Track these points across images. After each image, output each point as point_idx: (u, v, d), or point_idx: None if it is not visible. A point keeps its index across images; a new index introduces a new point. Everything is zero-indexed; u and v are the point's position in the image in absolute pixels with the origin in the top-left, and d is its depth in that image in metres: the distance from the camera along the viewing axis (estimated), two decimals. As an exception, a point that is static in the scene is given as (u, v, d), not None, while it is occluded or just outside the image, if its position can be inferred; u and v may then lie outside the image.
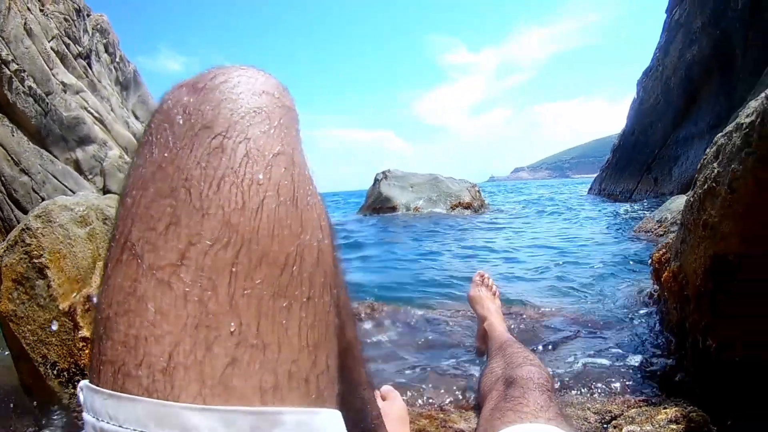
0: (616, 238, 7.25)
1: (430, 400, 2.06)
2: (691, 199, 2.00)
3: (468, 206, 14.09)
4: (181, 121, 0.53)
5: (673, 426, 1.60)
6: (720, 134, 1.83)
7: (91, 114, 15.72)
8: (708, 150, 1.92)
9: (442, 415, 1.87)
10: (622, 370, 2.30)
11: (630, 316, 3.06)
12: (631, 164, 17.69)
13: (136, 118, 20.71)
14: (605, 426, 1.74)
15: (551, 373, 1.83)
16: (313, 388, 0.48)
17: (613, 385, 2.14)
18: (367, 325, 3.11)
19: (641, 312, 3.05)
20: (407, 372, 2.38)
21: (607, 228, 8.82)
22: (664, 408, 1.75)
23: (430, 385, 2.20)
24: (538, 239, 7.96)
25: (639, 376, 2.22)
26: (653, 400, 1.89)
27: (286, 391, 0.45)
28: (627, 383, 2.14)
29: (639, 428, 1.63)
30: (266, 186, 0.51)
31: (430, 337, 2.89)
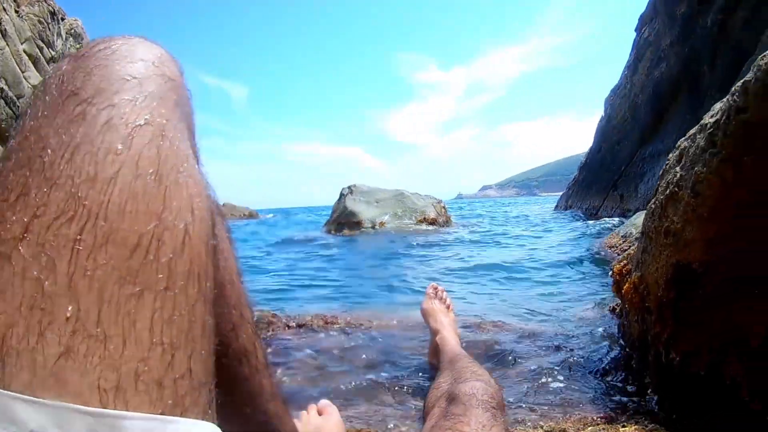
0: (579, 254, 7.20)
1: (373, 417, 1.92)
2: (653, 206, 1.90)
3: (433, 222, 14.00)
4: (54, 90, 0.50)
5: None
6: (683, 138, 1.74)
7: None
8: (671, 155, 1.82)
9: (380, 434, 1.77)
10: (581, 386, 2.17)
11: (591, 331, 2.96)
12: (598, 181, 17.82)
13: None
14: None
15: (503, 388, 1.70)
16: (169, 394, 0.42)
17: (570, 401, 2.01)
18: (318, 337, 2.98)
19: (602, 327, 2.95)
20: (352, 386, 2.24)
21: (571, 244, 8.80)
22: (624, 426, 1.63)
23: (376, 401, 2.08)
24: (500, 255, 7.90)
25: (598, 392, 2.09)
26: (613, 418, 1.77)
27: (131, 394, 0.40)
28: (585, 400, 2.02)
29: None
30: (124, 157, 0.46)
31: (381, 351, 2.78)
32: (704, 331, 1.59)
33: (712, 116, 1.52)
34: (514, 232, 12.79)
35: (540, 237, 10.70)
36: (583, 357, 2.52)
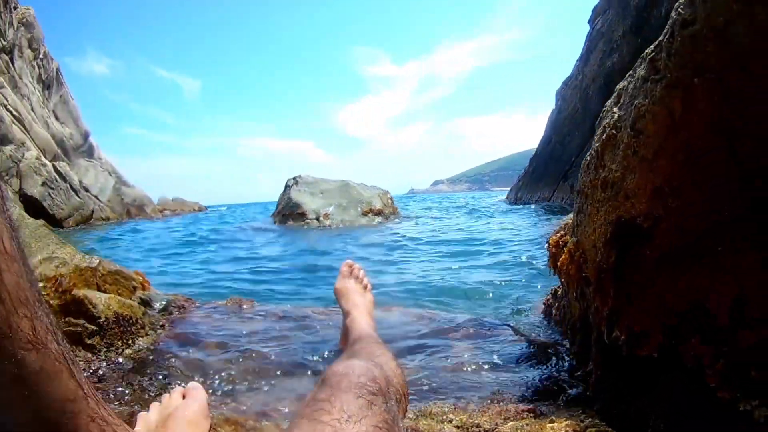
0: (523, 242, 7.00)
1: (257, 404, 1.69)
2: (588, 158, 1.59)
3: (379, 213, 13.78)
4: None
5: None
6: (622, 81, 1.46)
7: (10, 112, 15.05)
8: (608, 101, 1.52)
9: (252, 423, 1.49)
10: (511, 376, 1.86)
11: (530, 319, 2.69)
12: (548, 173, 17.81)
13: (56, 118, 20.00)
14: None
15: (405, 374, 1.37)
16: None
17: (495, 393, 1.70)
18: (229, 320, 2.68)
19: (543, 314, 2.70)
20: (249, 371, 2.00)
21: (515, 233, 8.62)
22: (552, 422, 1.32)
23: (266, 388, 1.84)
24: (441, 244, 7.69)
25: (531, 383, 1.78)
26: (542, 411, 1.45)
27: None
28: (511, 391, 1.71)
29: None
30: None
31: (291, 335, 2.50)
32: (655, 304, 1.26)
33: (653, 46, 1.24)
34: (459, 222, 12.62)
35: (487, 226, 10.50)
36: (517, 345, 2.21)
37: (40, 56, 19.93)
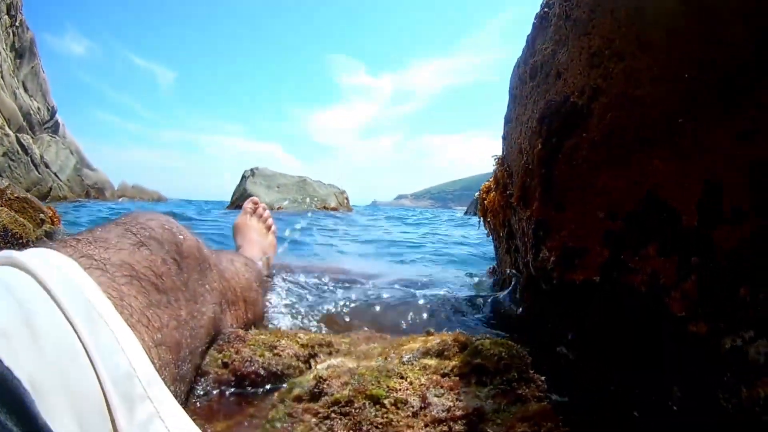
0: (475, 243, 6.78)
1: None
2: (518, 60, 1.26)
3: (333, 210, 13.45)
4: None
5: (429, 361, 0.88)
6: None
7: None
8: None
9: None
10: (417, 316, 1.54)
11: (469, 281, 2.41)
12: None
13: (25, 90, 19.55)
14: (305, 361, 1.00)
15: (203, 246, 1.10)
16: None
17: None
18: None
19: (481, 278, 2.37)
20: None
21: (465, 236, 8.46)
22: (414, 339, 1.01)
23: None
24: (386, 236, 7.54)
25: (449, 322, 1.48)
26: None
27: None
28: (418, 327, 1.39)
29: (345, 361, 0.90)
30: None
31: None
32: (595, 207, 0.90)
33: None
34: (409, 225, 12.54)
35: (435, 230, 10.32)
36: (447, 296, 1.90)
37: (17, 23, 19.33)
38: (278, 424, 0.74)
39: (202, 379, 0.89)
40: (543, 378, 0.80)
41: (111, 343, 0.59)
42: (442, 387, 0.78)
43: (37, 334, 0.50)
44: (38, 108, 20.63)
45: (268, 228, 2.20)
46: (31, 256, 0.63)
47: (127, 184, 29.41)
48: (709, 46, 0.75)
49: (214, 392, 0.87)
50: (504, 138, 1.35)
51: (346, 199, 14.93)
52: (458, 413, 0.73)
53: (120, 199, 24.63)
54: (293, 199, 13.48)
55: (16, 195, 2.07)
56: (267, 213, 2.26)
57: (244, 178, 14.41)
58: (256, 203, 2.25)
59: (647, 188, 0.83)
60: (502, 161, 1.34)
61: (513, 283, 1.38)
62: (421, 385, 0.78)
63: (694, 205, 0.78)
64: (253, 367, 0.93)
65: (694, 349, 0.79)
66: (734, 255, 0.74)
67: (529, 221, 1.06)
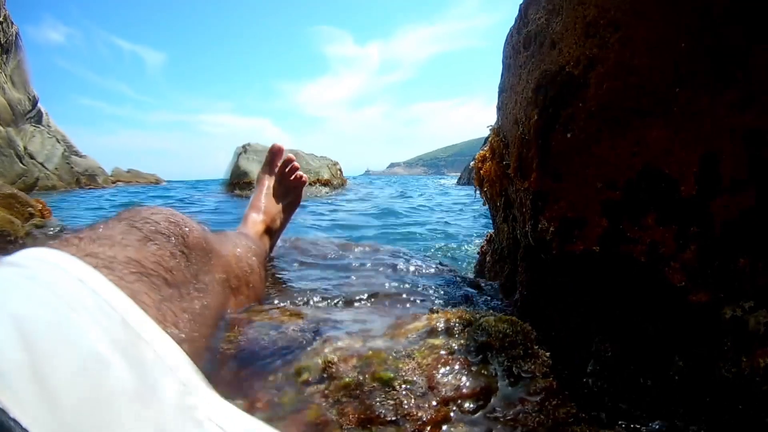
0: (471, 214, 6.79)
1: None
2: (510, 29, 1.24)
3: (327, 183, 13.52)
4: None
5: (434, 340, 0.88)
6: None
7: None
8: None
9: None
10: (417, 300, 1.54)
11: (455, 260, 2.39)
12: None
13: (13, 84, 19.33)
14: (311, 334, 0.98)
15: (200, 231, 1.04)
16: None
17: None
18: None
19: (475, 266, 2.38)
20: None
21: (459, 206, 8.45)
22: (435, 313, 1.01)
23: None
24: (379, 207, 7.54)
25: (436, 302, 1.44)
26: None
27: None
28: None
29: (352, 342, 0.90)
30: None
31: None
32: (593, 176, 0.90)
33: None
34: (404, 198, 12.45)
35: (430, 201, 10.27)
36: (438, 278, 1.89)
37: (0, 19, 19.16)
38: (289, 408, 0.74)
39: (208, 361, 0.87)
40: (548, 354, 0.82)
41: (161, 371, 0.56)
42: (449, 366, 0.79)
43: (47, 385, 0.44)
44: (19, 99, 20.41)
45: (294, 182, 1.92)
46: (33, 262, 0.60)
47: (121, 169, 29.18)
48: (703, 15, 0.74)
49: (220, 372, 0.88)
50: (499, 108, 1.34)
51: (339, 170, 14.89)
52: (466, 392, 0.74)
53: (116, 185, 24.38)
54: (286, 173, 13.15)
55: (1, 192, 2.05)
56: (295, 164, 1.92)
57: (236, 155, 14.25)
58: (278, 151, 1.92)
59: (645, 158, 0.83)
60: (497, 131, 1.33)
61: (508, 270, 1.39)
62: (428, 365, 0.79)
63: (692, 175, 0.78)
64: (258, 347, 0.94)
65: (694, 320, 0.80)
66: (733, 225, 0.75)
67: (527, 192, 1.06)
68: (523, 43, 1.10)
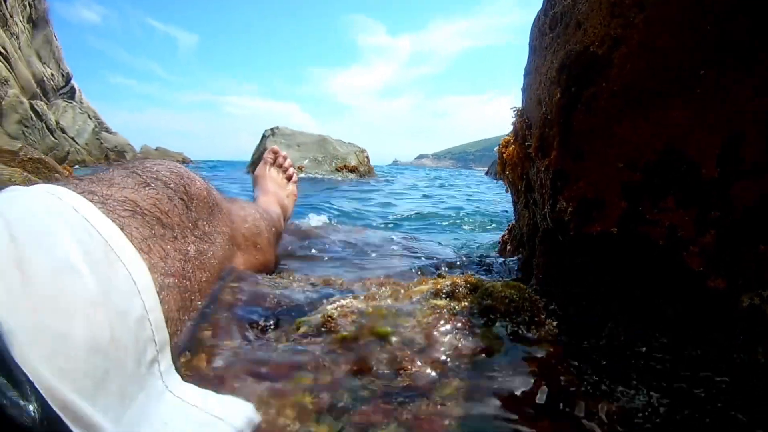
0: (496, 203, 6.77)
1: None
2: (540, 9, 1.23)
3: (353, 170, 13.49)
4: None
5: (438, 301, 0.88)
6: None
7: None
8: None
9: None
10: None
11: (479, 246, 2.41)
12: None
13: (39, 58, 19.59)
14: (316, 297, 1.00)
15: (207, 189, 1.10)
16: None
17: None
18: None
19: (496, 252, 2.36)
20: None
21: (488, 195, 8.41)
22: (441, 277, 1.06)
23: None
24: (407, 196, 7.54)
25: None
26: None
27: None
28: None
29: (355, 302, 0.89)
30: None
31: None
32: (614, 157, 0.89)
33: None
34: (433, 186, 12.43)
35: (459, 192, 10.24)
36: (470, 252, 1.91)
37: (33, -5, 19.43)
38: (282, 356, 0.76)
39: (210, 313, 0.90)
40: (555, 323, 0.82)
41: (127, 284, 0.61)
42: (450, 325, 0.80)
43: (27, 275, 0.50)
44: (52, 74, 20.64)
45: (289, 178, 2.15)
46: (36, 189, 0.65)
47: (149, 147, 29.44)
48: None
49: (221, 326, 0.88)
50: (523, 90, 1.33)
51: (367, 158, 14.86)
52: (465, 351, 0.74)
53: (144, 161, 24.76)
54: (313, 158, 13.41)
55: (29, 156, 2.09)
56: (288, 162, 2.19)
57: (264, 137, 14.38)
58: (276, 153, 2.18)
59: (667, 139, 0.82)
60: (521, 113, 1.33)
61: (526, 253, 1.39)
62: (428, 324, 0.79)
63: (713, 158, 0.77)
64: (263, 305, 0.95)
65: (711, 306, 0.79)
66: (754, 210, 0.74)
67: (547, 171, 1.05)
68: (549, 25, 1.09)
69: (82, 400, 0.47)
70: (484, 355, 0.74)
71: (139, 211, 0.76)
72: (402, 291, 0.95)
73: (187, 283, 0.80)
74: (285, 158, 2.19)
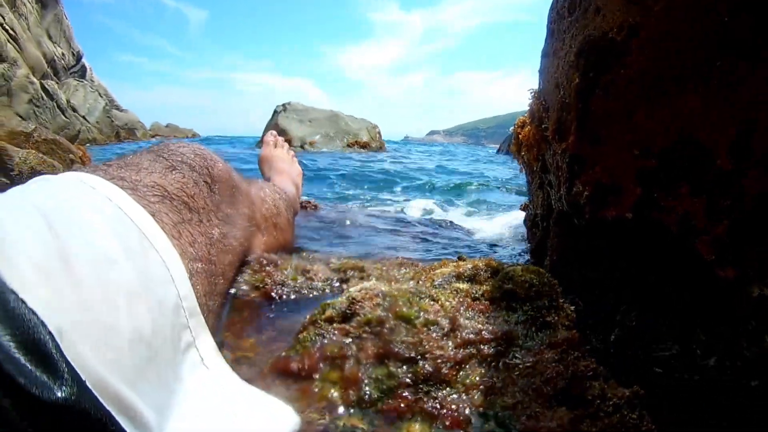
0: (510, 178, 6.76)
1: None
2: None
3: (365, 146, 13.48)
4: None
5: (460, 285, 0.92)
6: None
7: (6, 31, 14.64)
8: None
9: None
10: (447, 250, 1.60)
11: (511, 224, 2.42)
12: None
13: (49, 37, 19.51)
14: (337, 282, 1.06)
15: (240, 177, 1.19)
16: None
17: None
18: None
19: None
20: None
21: (500, 170, 8.41)
22: (461, 260, 1.08)
23: None
24: (423, 168, 7.55)
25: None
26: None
27: None
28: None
29: (378, 284, 0.91)
30: None
31: None
32: (631, 143, 0.91)
33: None
34: (443, 158, 12.40)
35: (470, 165, 10.26)
36: (474, 239, 1.92)
37: (42, -28, 19.28)
38: (308, 343, 0.77)
39: (234, 300, 0.94)
40: (573, 308, 0.84)
41: (162, 273, 0.63)
42: (472, 310, 0.82)
43: (72, 270, 0.51)
44: (62, 54, 20.55)
45: (293, 157, 2.19)
46: (67, 178, 0.67)
47: (160, 124, 29.48)
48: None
49: (244, 310, 0.93)
50: (540, 72, 1.35)
51: (378, 133, 14.82)
52: (487, 336, 0.76)
53: (153, 138, 24.69)
54: (325, 134, 13.38)
55: (43, 137, 2.11)
56: (287, 146, 2.26)
57: (276, 113, 14.37)
58: (275, 136, 2.24)
59: (682, 127, 0.84)
60: (538, 95, 1.34)
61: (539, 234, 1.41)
62: (452, 307, 0.82)
63: (727, 147, 0.79)
64: (285, 290, 0.99)
65: (721, 295, 0.81)
66: (765, 200, 0.76)
67: (563, 155, 1.07)
68: (567, 8, 1.10)
69: (129, 389, 0.49)
70: (505, 340, 0.76)
71: (167, 196, 0.77)
72: (423, 274, 0.98)
73: (213, 267, 0.82)
74: (284, 141, 2.26)
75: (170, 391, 0.58)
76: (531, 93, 1.40)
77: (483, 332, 0.77)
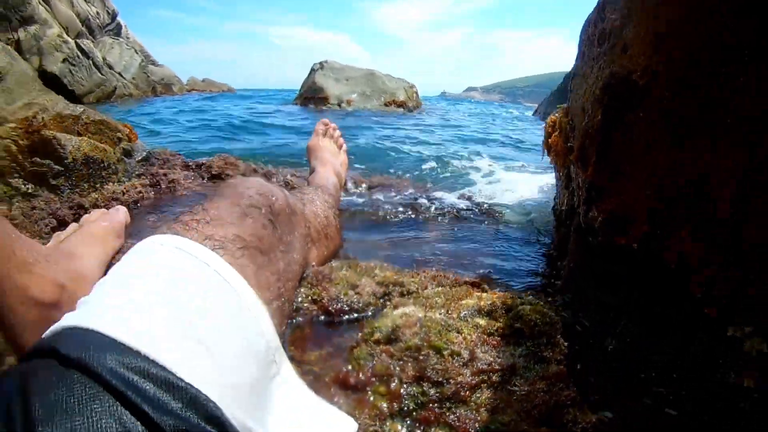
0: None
1: None
2: (591, 15, 1.31)
3: (402, 105, 13.42)
4: None
5: (480, 320, 1.08)
6: None
7: None
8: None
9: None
10: (480, 258, 1.68)
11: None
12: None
13: (84, -2, 19.61)
14: (381, 299, 1.19)
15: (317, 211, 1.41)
16: None
17: (448, 266, 1.56)
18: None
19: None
20: None
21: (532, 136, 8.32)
22: (484, 290, 1.24)
23: None
24: (459, 135, 7.49)
25: (497, 266, 1.61)
26: (485, 289, 1.27)
27: None
28: (473, 269, 1.56)
29: (416, 310, 1.10)
30: None
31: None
32: (645, 182, 0.99)
33: None
34: (478, 120, 12.28)
35: (505, 129, 10.13)
36: (501, 233, 2.01)
37: (75, -68, 19.29)
38: (362, 361, 0.96)
39: (297, 314, 1.10)
40: (566, 344, 0.99)
41: (255, 326, 0.76)
42: (487, 344, 0.99)
43: (206, 346, 0.64)
44: (97, 13, 20.63)
45: (340, 147, 2.27)
46: (167, 250, 0.77)
47: (196, 78, 29.57)
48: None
49: (306, 326, 1.08)
50: (570, 90, 1.42)
51: (416, 93, 14.82)
52: (496, 367, 0.93)
53: (190, 93, 24.77)
54: (362, 92, 13.45)
55: (91, 119, 2.17)
56: (338, 133, 2.31)
57: (312, 71, 14.37)
58: (326, 124, 2.30)
59: (691, 173, 0.91)
60: (566, 111, 1.43)
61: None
62: (472, 341, 0.99)
63: (728, 197, 0.86)
64: (339, 305, 1.13)
65: (704, 331, 0.93)
66: (752, 252, 0.85)
67: (584, 180, 1.17)
68: (598, 38, 1.18)
69: (252, 422, 0.65)
70: (509, 370, 0.93)
71: (246, 246, 0.86)
72: (452, 302, 1.13)
73: (283, 299, 0.94)
74: (335, 129, 2.31)
75: (267, 410, 0.73)
76: (558, 109, 1.49)
77: (493, 363, 0.94)
